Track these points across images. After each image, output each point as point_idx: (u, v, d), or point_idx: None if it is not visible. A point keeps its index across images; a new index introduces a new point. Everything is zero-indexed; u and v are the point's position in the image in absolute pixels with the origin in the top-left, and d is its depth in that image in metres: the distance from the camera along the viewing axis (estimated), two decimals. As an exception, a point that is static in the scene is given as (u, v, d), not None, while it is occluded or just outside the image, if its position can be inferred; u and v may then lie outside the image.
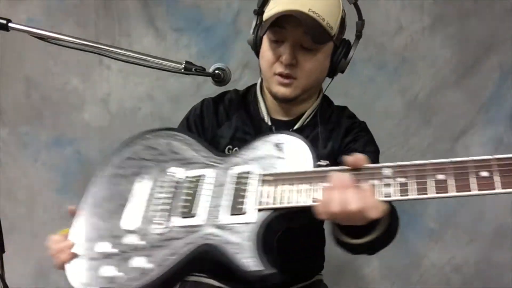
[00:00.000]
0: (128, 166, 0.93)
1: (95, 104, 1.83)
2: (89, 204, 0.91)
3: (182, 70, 1.03)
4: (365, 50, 1.79)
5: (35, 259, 1.83)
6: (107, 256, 0.81)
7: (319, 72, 1.06)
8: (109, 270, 0.79)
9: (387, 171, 0.71)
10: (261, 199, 0.77)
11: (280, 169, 0.80)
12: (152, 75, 1.80)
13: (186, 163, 0.89)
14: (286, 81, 1.02)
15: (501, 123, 1.79)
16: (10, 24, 0.95)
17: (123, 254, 0.80)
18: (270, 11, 1.01)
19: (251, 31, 1.09)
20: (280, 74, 1.02)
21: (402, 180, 0.70)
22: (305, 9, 0.96)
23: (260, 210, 0.76)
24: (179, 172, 0.88)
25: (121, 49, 1.00)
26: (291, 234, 0.80)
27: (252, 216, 0.76)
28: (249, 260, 0.72)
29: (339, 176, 0.72)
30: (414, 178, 0.70)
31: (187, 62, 1.04)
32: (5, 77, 1.79)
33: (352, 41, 1.10)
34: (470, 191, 0.66)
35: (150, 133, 0.97)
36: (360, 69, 1.80)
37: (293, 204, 0.75)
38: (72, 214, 0.92)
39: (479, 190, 0.66)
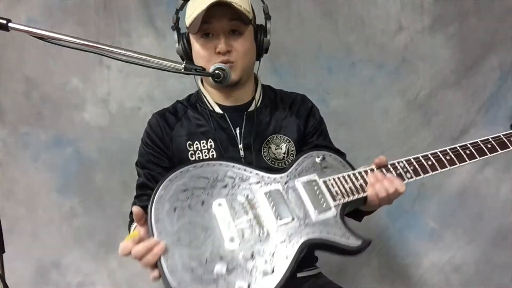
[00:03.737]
0: (185, 198, 0.95)
1: (95, 104, 1.84)
2: (167, 235, 0.90)
3: (182, 70, 1.04)
4: (365, 50, 1.80)
5: (35, 259, 1.83)
6: (230, 272, 0.87)
7: (250, 53, 1.20)
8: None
9: (401, 164, 1.06)
10: (333, 197, 1.00)
11: (332, 174, 1.04)
12: (152, 75, 1.80)
13: (250, 183, 1.00)
14: (227, 66, 1.14)
15: (501, 123, 1.79)
16: (10, 24, 0.95)
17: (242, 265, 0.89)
18: (192, 15, 1.13)
19: (176, 44, 1.23)
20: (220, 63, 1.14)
21: (411, 168, 1.06)
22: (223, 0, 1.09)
23: (336, 205, 0.99)
24: (251, 191, 0.99)
25: (121, 49, 1.00)
26: None
27: (334, 210, 0.99)
28: (350, 239, 0.95)
29: (373, 175, 1.03)
30: (415, 165, 1.07)
31: (187, 62, 1.05)
32: (5, 77, 1.79)
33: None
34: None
35: (192, 166, 1.01)
36: (360, 69, 1.81)
37: (356, 197, 1.01)
38: (138, 217, 0.92)
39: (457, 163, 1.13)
